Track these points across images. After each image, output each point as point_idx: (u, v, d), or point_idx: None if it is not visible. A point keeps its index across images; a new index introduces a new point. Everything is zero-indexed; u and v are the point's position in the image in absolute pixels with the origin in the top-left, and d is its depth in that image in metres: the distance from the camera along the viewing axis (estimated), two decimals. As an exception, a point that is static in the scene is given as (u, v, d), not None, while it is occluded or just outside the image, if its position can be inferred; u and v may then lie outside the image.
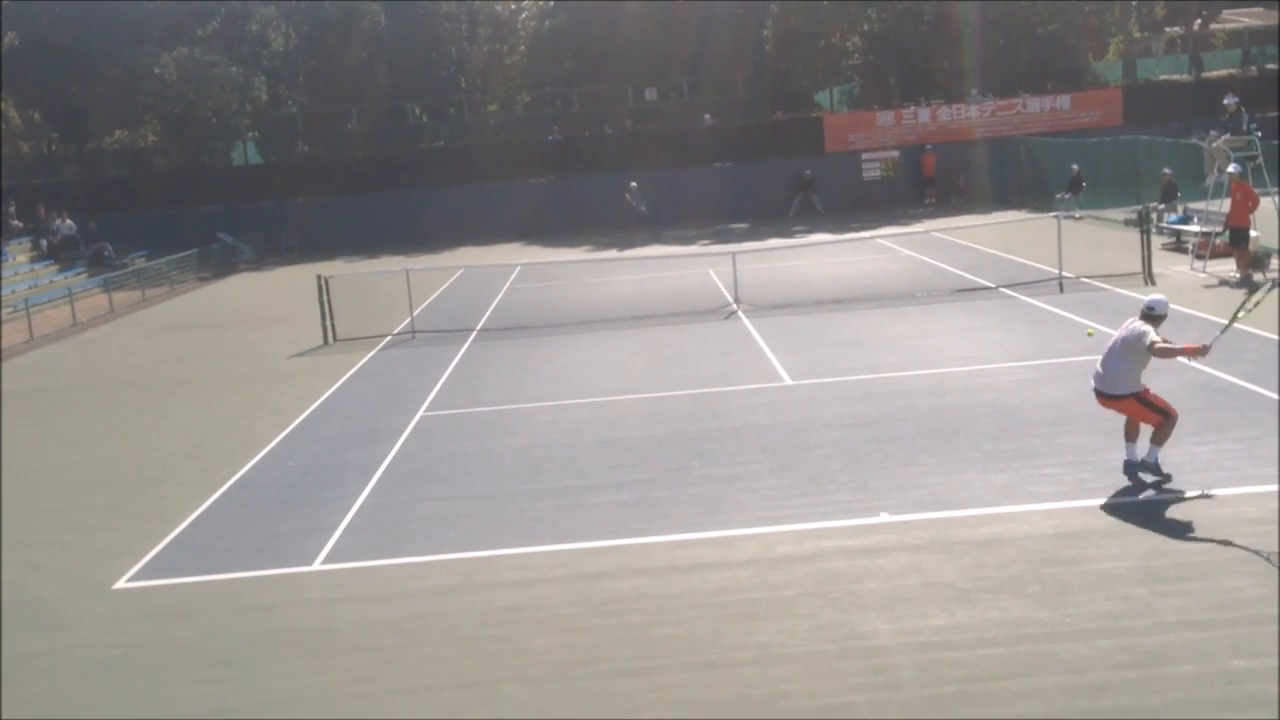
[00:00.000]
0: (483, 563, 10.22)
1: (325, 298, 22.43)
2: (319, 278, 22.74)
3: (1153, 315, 10.72)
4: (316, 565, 10.49)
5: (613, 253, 34.17)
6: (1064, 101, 42.81)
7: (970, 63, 44.16)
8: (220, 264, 39.17)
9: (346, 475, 13.24)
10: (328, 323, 22.41)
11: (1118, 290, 20.90)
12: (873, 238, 32.04)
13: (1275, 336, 16.04)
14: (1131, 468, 10.75)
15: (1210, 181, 23.99)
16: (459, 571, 10.05)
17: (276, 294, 31.33)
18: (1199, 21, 50.12)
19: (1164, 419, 10.54)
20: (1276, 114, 38.41)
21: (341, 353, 21.24)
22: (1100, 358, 10.97)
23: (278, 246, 41.43)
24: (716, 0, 44.07)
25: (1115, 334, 10.94)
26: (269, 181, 44.00)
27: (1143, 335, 10.50)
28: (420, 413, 16.07)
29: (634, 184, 38.46)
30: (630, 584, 9.47)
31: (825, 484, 11.54)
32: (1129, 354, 10.57)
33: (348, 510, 11.94)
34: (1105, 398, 10.80)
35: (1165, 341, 10.55)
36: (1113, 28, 49.26)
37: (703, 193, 41.77)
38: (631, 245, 35.46)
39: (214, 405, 17.87)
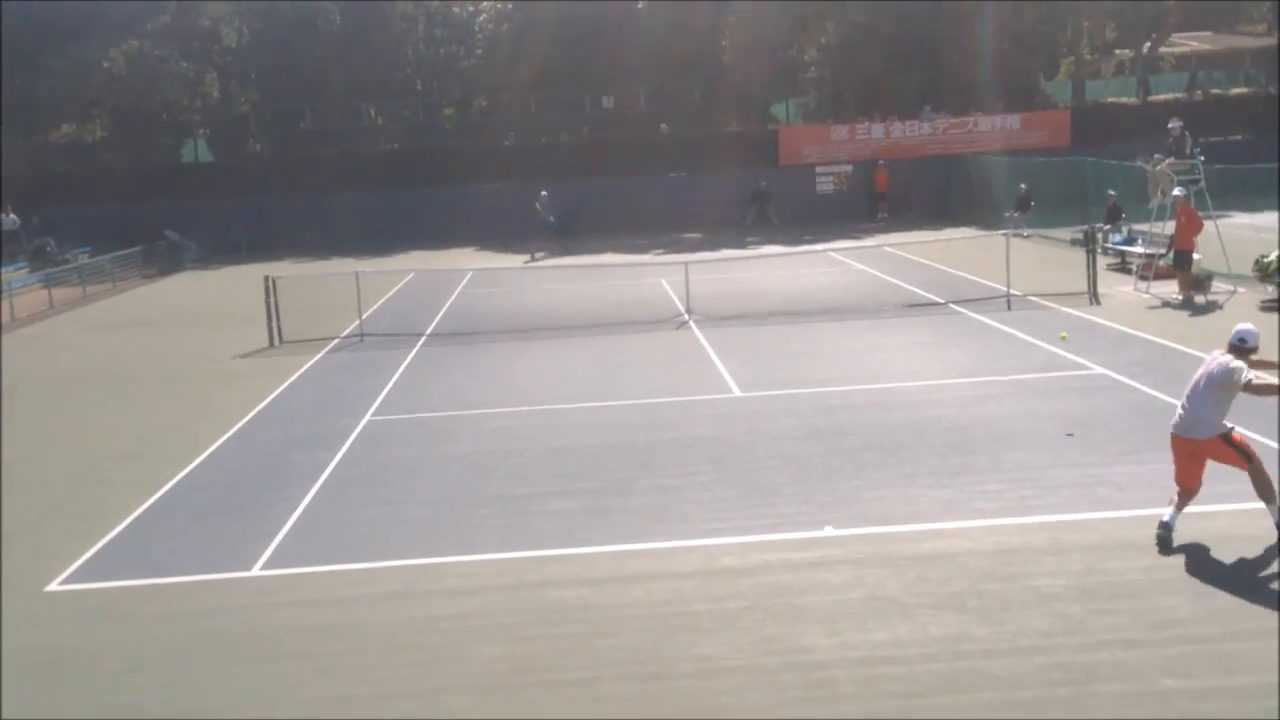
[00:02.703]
0: (425, 570, 10.14)
1: (272, 298, 22.20)
2: (266, 278, 22.52)
3: (1244, 348, 9.72)
4: (255, 571, 10.35)
5: (563, 260, 34.11)
6: (1014, 121, 43.40)
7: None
8: (166, 262, 38.65)
9: (289, 479, 13.09)
10: (274, 324, 22.18)
11: (1063, 309, 21.17)
12: (825, 251, 32.24)
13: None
14: (1169, 531, 9.73)
15: (1154, 204, 24.38)
16: (401, 578, 9.97)
17: (222, 293, 30.98)
18: (1148, 45, 50.98)
19: (1250, 463, 9.63)
20: (1221, 138, 39.18)
21: (287, 354, 21.02)
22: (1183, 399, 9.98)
23: (225, 245, 40.93)
24: (677, 4, 44.15)
25: (1199, 370, 9.88)
26: (219, 179, 43.60)
27: (1233, 372, 9.49)
28: (367, 417, 15.93)
29: (544, 193, 38.02)
30: (574, 593, 9.44)
31: (771, 496, 11.57)
32: (1216, 392, 9.61)
33: (289, 515, 11.81)
34: (1184, 440, 9.77)
35: (1260, 376, 9.62)
36: (1063, 49, 49.95)
37: (657, 202, 41.88)
38: (542, 257, 35.33)
39: (154, 406, 17.62)
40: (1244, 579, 8.96)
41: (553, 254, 35.90)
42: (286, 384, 18.48)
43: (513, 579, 9.83)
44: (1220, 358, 9.72)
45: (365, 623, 9.08)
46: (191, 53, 46.05)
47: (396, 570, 10.16)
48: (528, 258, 35.38)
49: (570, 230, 37.98)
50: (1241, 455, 9.61)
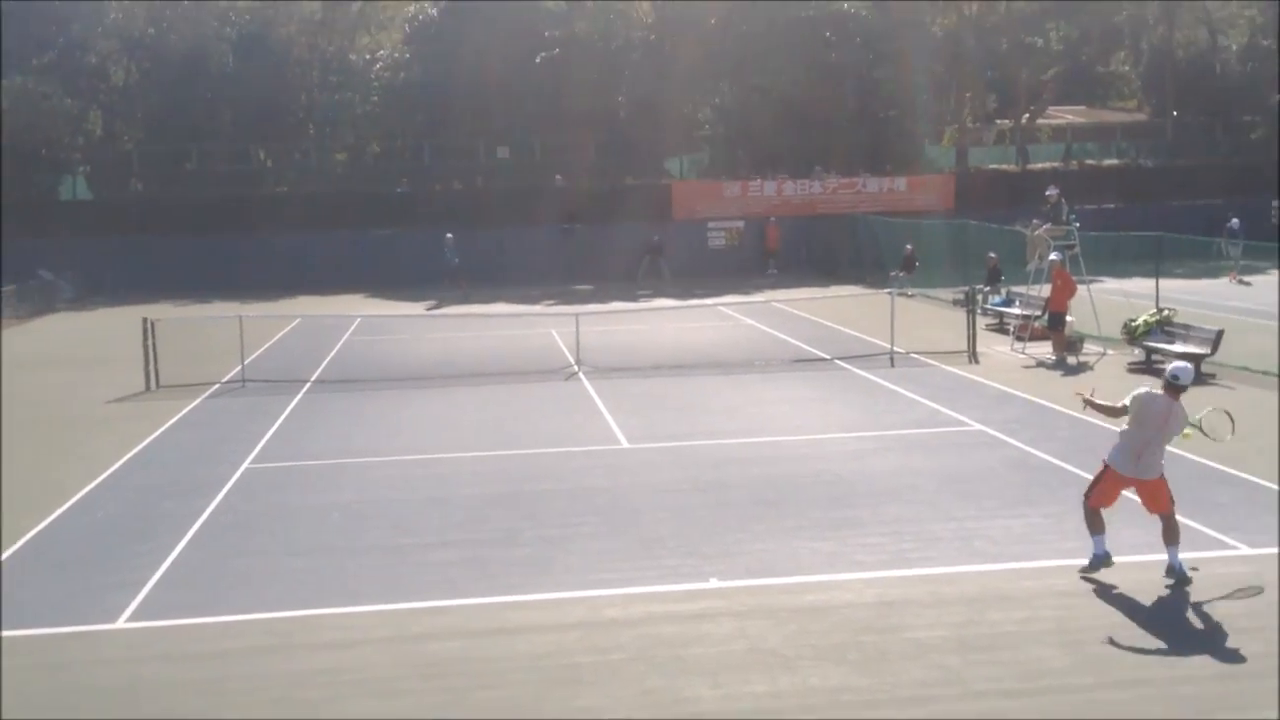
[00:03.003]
0: (301, 622, 9.86)
1: (150, 341, 21.58)
2: (145, 320, 21.89)
3: (1179, 385, 10.25)
4: (120, 623, 9.95)
5: (453, 308, 33.88)
6: (900, 183, 44.64)
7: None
8: (38, 302, 37.23)
9: (161, 528, 12.65)
10: (151, 367, 21.54)
11: (944, 367, 21.68)
12: (715, 305, 32.59)
13: (1084, 416, 16.82)
14: (1100, 561, 10.28)
15: (1031, 267, 25.19)
16: (275, 631, 9.67)
17: (97, 335, 29.99)
18: (1026, 116, 52.98)
19: (1172, 505, 10.26)
20: (1095, 206, 40.76)
21: (165, 399, 20.41)
22: (1121, 446, 10.38)
23: (103, 286, 39.69)
24: (574, 60, 44.56)
25: (1152, 417, 10.17)
26: (98, 218, 42.35)
27: (1185, 417, 10.25)
28: (245, 464, 15.53)
29: (449, 235, 38.17)
30: (455, 646, 9.27)
31: (656, 548, 11.55)
32: (1171, 437, 10.33)
33: (159, 565, 11.40)
34: (1137, 481, 10.33)
35: None
36: (948, 117, 51.68)
37: (550, 252, 41.93)
38: (448, 301, 35.22)
39: (19, 450, 16.88)
40: (1114, 629, 9.18)
41: (459, 297, 35.77)
42: (162, 429, 17.92)
43: (392, 631, 9.61)
44: (1174, 409, 10.18)
45: (235, 677, 8.79)
46: (76, 89, 44.91)
47: (270, 622, 9.87)
48: (431, 303, 35.20)
49: (468, 273, 37.71)
50: (1169, 498, 10.28)
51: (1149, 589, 10.02)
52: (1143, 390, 10.41)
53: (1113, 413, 10.65)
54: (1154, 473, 10.23)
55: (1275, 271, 35.00)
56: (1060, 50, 53.56)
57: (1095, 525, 10.35)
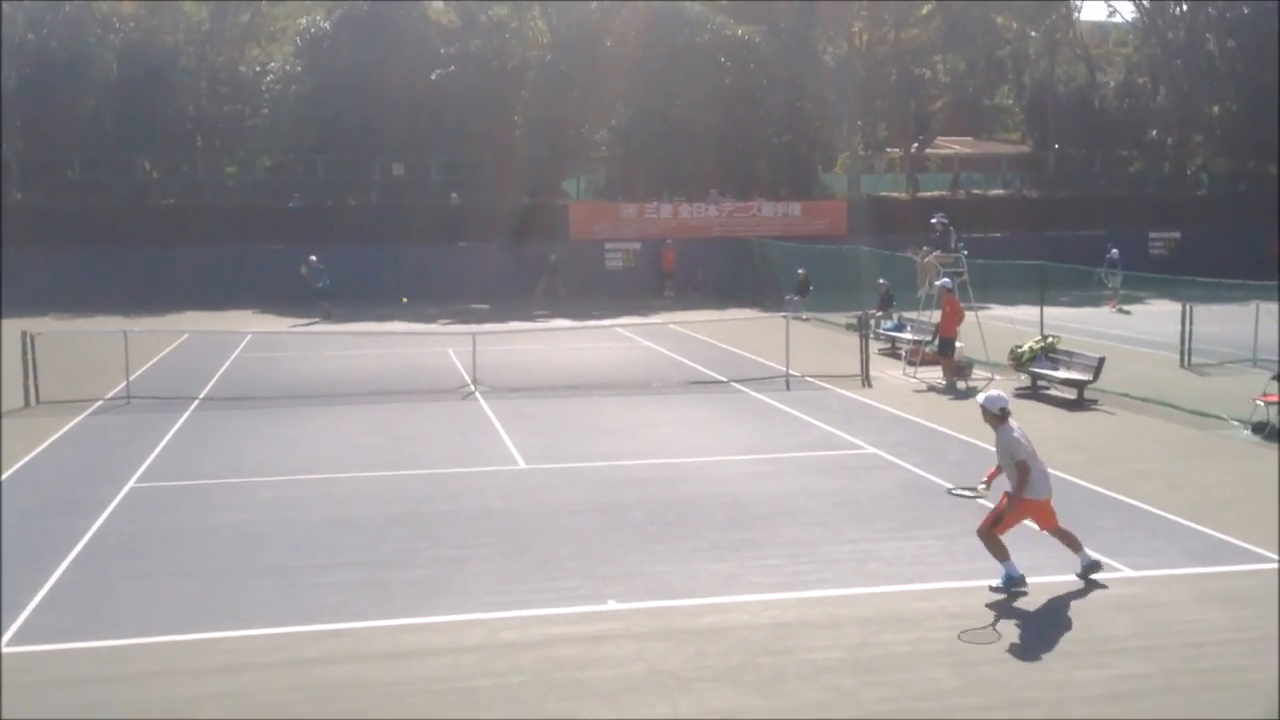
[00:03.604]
0: (189, 646, 9.59)
1: (30, 355, 20.84)
2: (24, 334, 21.14)
3: (1007, 412, 10.76)
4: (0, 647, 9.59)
5: (348, 325, 33.40)
6: (795, 209, 45.40)
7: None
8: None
9: (41, 549, 12.20)
10: (30, 383, 20.80)
11: (837, 390, 22.05)
12: (612, 326, 32.67)
13: (974, 440, 17.27)
14: (1016, 582, 10.66)
15: (922, 293, 25.78)
16: (162, 656, 9.39)
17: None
18: (915, 145, 54.33)
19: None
20: (982, 234, 41.89)
21: (45, 416, 19.72)
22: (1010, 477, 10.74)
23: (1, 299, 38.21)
24: (470, 78, 44.40)
25: (1026, 440, 10.66)
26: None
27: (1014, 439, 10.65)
28: (130, 484, 15.07)
29: (313, 257, 37.31)
30: (349, 670, 9.11)
31: (554, 570, 11.51)
32: (1021, 451, 10.60)
33: (40, 587, 10.99)
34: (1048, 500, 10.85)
35: None
36: (840, 144, 52.74)
37: (446, 271, 41.64)
38: (313, 321, 34.75)
39: (-110, 468, 16.17)
40: (1003, 651, 9.41)
41: (323, 318, 35.24)
42: (42, 447, 17.31)
43: (284, 655, 9.41)
44: (1015, 429, 10.70)
45: (120, 704, 8.50)
46: (-49, 94, 43.32)
47: (157, 647, 9.58)
48: (308, 320, 34.65)
49: (335, 295, 36.94)
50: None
51: (1036, 611, 10.30)
52: (1013, 434, 10.70)
53: (1024, 468, 10.57)
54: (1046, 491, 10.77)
55: (1153, 301, 36.44)
56: (947, 82, 55.10)
57: (1002, 551, 10.67)
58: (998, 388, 22.07)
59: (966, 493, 11.42)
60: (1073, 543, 10.96)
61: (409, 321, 34.55)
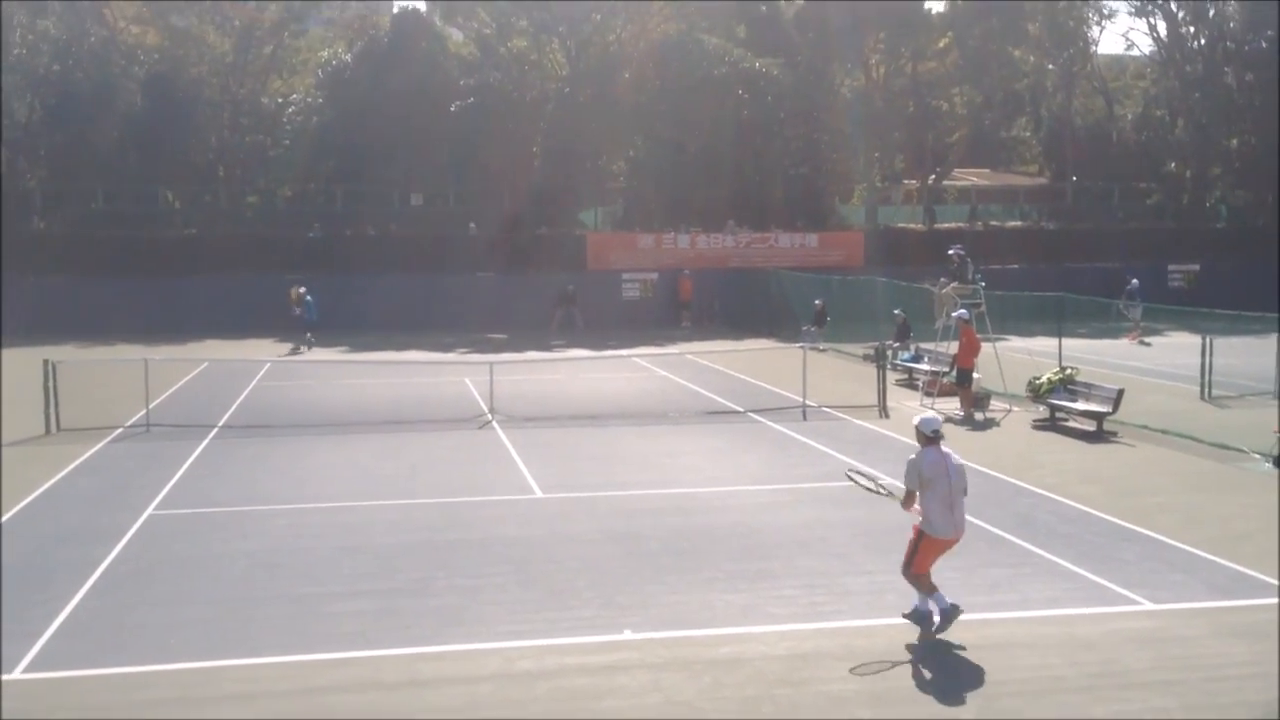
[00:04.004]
0: (204, 674, 9.59)
1: (51, 383, 20.97)
2: (46, 362, 21.28)
3: (940, 437, 10.57)
4: (17, 674, 9.59)
5: (367, 355, 33.51)
6: (812, 240, 45.44)
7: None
8: (-68, 341, 36.01)
9: (58, 576, 12.24)
10: (51, 410, 20.92)
11: (855, 420, 21.98)
12: (629, 356, 32.69)
13: (991, 471, 17.18)
14: (951, 613, 10.33)
15: (940, 324, 25.73)
16: (176, 683, 9.40)
17: (-4, 376, 29.04)
18: (933, 177, 54.37)
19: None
20: (999, 266, 41.83)
21: (64, 443, 19.82)
22: (930, 510, 10.32)
23: (3, 327, 38.47)
24: (489, 108, 44.72)
25: (934, 473, 10.28)
26: (-1, 257, 41.10)
27: (964, 467, 10.49)
28: (148, 511, 15.12)
29: (302, 289, 36.95)
30: (363, 699, 9.09)
31: (570, 599, 11.48)
32: (962, 486, 10.39)
33: (57, 614, 11.01)
34: (956, 539, 10.48)
35: None
36: (857, 176, 52.83)
37: (464, 301, 41.76)
38: (297, 352, 34.73)
39: (-90, 494, 16.25)
40: (1023, 683, 9.32)
41: (299, 347, 35.16)
42: (62, 474, 17.39)
43: (296, 684, 9.40)
44: (946, 457, 10.36)
45: (135, 731, 8.51)
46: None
47: (173, 674, 9.58)
48: (292, 348, 34.87)
49: (316, 326, 36.70)
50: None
51: (1056, 643, 10.21)
52: (910, 456, 10.51)
53: (911, 498, 10.42)
54: (964, 528, 10.50)
55: (1172, 333, 36.27)
56: (964, 115, 55.16)
57: (927, 587, 10.37)
58: (1016, 419, 22.06)
59: (864, 481, 11.06)
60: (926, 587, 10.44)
61: (427, 351, 34.63)
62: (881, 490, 10.78)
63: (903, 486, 10.59)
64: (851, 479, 11.22)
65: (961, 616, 10.54)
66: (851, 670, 9.56)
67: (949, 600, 10.27)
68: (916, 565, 10.36)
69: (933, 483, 10.21)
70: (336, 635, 10.47)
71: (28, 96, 46.30)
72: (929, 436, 10.39)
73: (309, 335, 36.02)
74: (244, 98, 49.01)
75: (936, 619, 10.32)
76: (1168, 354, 31.89)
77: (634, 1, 47.80)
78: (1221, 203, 55.01)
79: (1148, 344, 35.30)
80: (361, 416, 22.60)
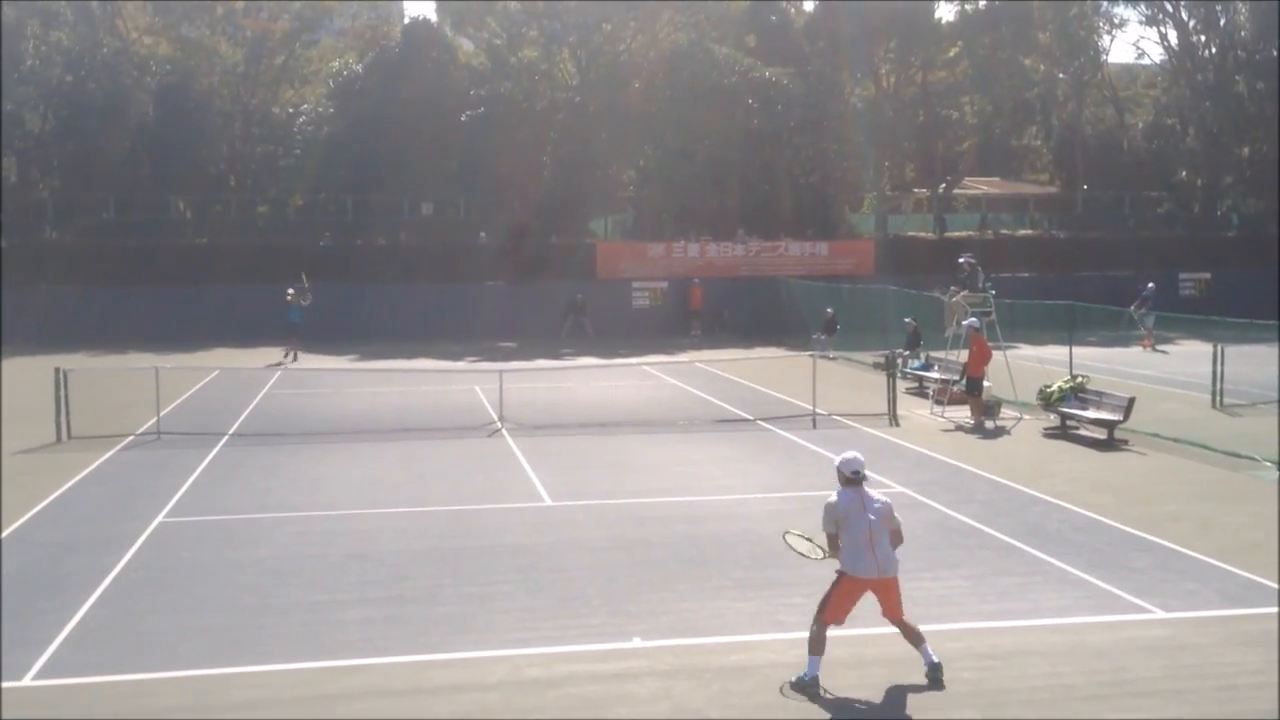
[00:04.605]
0: (214, 681, 9.60)
1: (62, 391, 21.04)
2: (57, 370, 21.35)
3: (860, 478, 9.68)
4: (27, 681, 9.60)
5: (377, 363, 33.56)
6: (822, 248, 45.44)
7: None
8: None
9: (68, 583, 12.27)
10: (62, 418, 20.99)
11: (865, 429, 21.94)
12: (639, 364, 32.69)
13: (1002, 479, 17.14)
14: (812, 684, 9.27)
15: (950, 333, 25.69)
16: (186, 690, 9.40)
17: (7, 386, 29.11)
18: (943, 186, 54.34)
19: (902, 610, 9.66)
20: (1010, 275, 41.75)
21: (75, 451, 19.88)
22: (850, 551, 9.47)
23: (14, 335, 38.68)
24: (500, 117, 44.85)
25: (849, 512, 9.48)
26: (10, 266, 41.29)
27: (891, 507, 9.65)
28: (158, 519, 15.14)
29: (291, 291, 35.37)
30: (372, 706, 9.08)
31: (579, 607, 11.46)
32: (888, 529, 9.53)
33: (67, 622, 11.03)
34: (882, 580, 9.50)
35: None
36: (867, 185, 52.84)
37: (474, 310, 41.84)
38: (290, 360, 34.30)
39: (-78, 501, 16.31)
40: (1033, 692, 9.28)
41: (290, 355, 34.48)
42: (72, 482, 17.43)
43: (306, 691, 9.40)
44: (865, 496, 9.53)
45: (144, 737, 8.52)
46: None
47: (182, 681, 9.59)
48: (286, 357, 34.33)
49: (301, 333, 36.16)
50: (900, 601, 9.60)
51: (1067, 652, 10.17)
52: (828, 500, 9.65)
53: (833, 542, 9.62)
54: (893, 569, 9.50)
55: (1183, 342, 36.14)
56: (975, 124, 55.19)
57: (818, 647, 9.39)
58: (1027, 428, 21.99)
59: (800, 545, 10.00)
60: (916, 636, 9.59)
61: (437, 359, 34.67)
62: (819, 553, 9.78)
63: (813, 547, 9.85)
64: (788, 544, 10.14)
65: (971, 625, 10.48)
66: (859, 678, 9.53)
67: (934, 656, 9.45)
68: (830, 610, 9.45)
69: (848, 522, 9.43)
70: (345, 643, 10.47)
71: (40, 107, 46.63)
72: (848, 478, 9.60)
73: (297, 341, 34.89)
74: (255, 108, 49.29)
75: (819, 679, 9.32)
76: (1178, 362, 31.78)
77: (646, 2, 47.75)
78: (1233, 211, 54.90)
79: (1164, 352, 35.11)
80: (371, 425, 22.63)
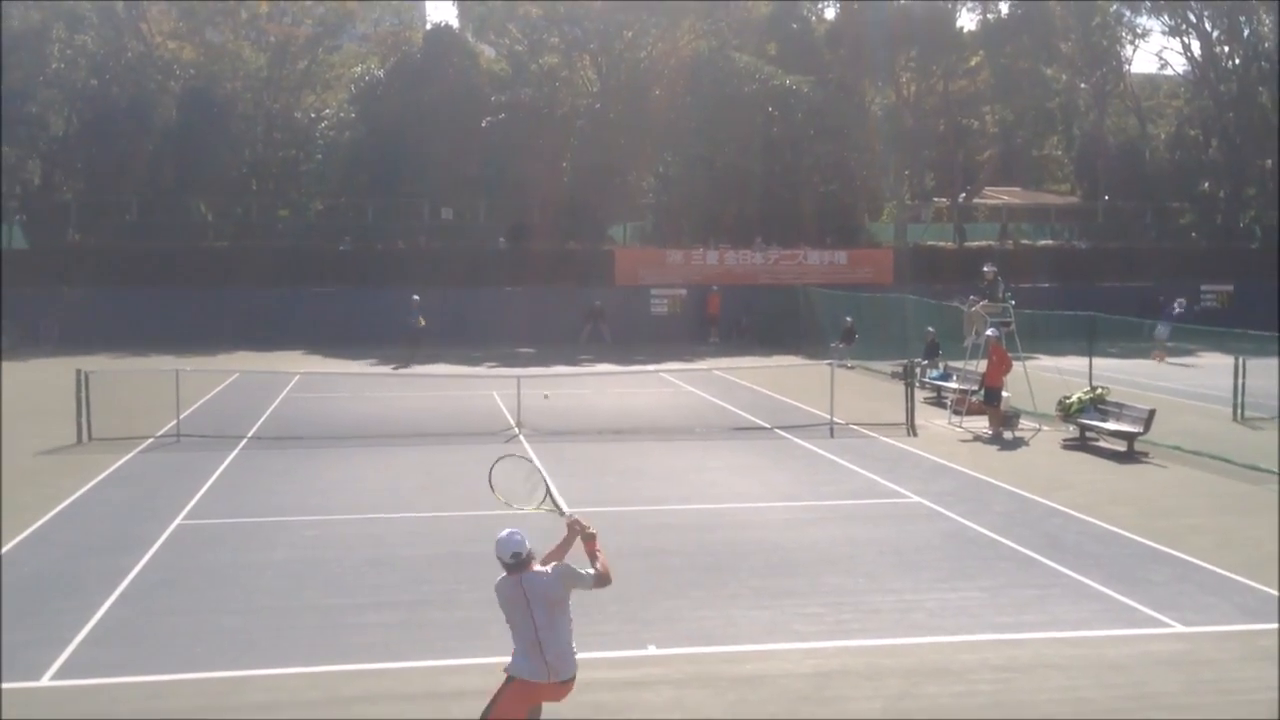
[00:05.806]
0: (231, 683, 9.65)
1: (83, 393, 21.18)
2: (78, 372, 21.49)
3: (524, 559, 7.73)
4: (45, 681, 9.67)
5: (395, 368, 33.67)
6: (841, 257, 45.36)
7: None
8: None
9: (88, 584, 12.34)
10: (83, 420, 21.12)
11: (882, 438, 21.88)
12: (656, 371, 32.69)
13: (1020, 490, 17.06)
14: None
15: (969, 343, 25.60)
16: (203, 692, 9.45)
17: (28, 386, 29.35)
18: (963, 195, 54.18)
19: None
20: (1030, 285, 41.60)
21: (96, 453, 20.00)
22: (517, 649, 7.66)
23: (37, 337, 38.99)
24: (520, 123, 44.97)
25: (518, 613, 7.64)
26: (34, 267, 41.60)
27: (577, 579, 7.79)
28: (177, 520, 15.22)
29: (415, 297, 37.45)
30: (388, 709, 9.12)
31: (594, 613, 11.44)
32: (562, 614, 7.69)
33: (86, 622, 11.10)
34: (559, 685, 7.63)
35: (600, 556, 8.11)
36: (887, 193, 52.74)
37: (492, 315, 41.88)
38: (413, 360, 34.93)
39: (-56, 501, 16.43)
40: (1050, 706, 9.24)
41: (408, 359, 35.18)
42: (92, 483, 17.54)
43: (323, 694, 9.44)
44: (526, 585, 7.60)
45: (161, 739, 8.56)
46: (15, 138, 44.43)
47: (199, 683, 9.64)
48: (392, 363, 34.75)
49: (423, 338, 37.09)
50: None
51: (1085, 665, 10.12)
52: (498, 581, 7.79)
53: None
54: (570, 668, 7.62)
55: (1205, 354, 35.91)
56: (996, 133, 54.99)
57: None
58: (1045, 439, 21.88)
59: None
60: None
61: (455, 364, 34.75)
62: (547, 506, 8.53)
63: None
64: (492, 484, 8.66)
65: (988, 636, 10.42)
66: (875, 689, 9.51)
67: None
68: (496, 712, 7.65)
69: (511, 618, 7.64)
70: (362, 646, 10.51)
71: (65, 110, 47.00)
72: (506, 563, 7.64)
73: (418, 344, 36.11)
74: (278, 112, 49.55)
75: None
76: (1200, 375, 31.59)
77: (667, 5, 47.70)
78: (1255, 223, 54.51)
79: (1176, 364, 34.89)
80: (389, 429, 22.69)
